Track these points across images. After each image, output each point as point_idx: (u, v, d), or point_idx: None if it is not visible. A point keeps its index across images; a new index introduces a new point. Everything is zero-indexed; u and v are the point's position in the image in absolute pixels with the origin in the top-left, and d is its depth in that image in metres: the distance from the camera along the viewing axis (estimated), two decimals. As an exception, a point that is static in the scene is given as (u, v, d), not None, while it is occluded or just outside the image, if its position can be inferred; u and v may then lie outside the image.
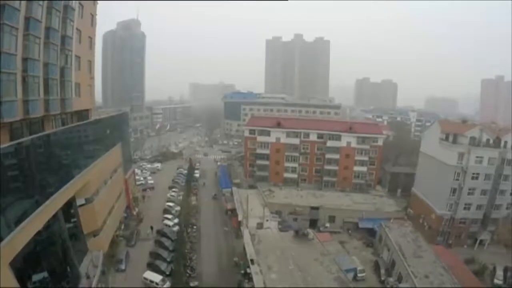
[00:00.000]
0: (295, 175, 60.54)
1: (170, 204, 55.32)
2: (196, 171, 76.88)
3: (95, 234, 34.03)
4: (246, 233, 39.46)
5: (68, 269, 26.41)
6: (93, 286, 27.52)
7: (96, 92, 42.16)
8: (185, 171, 73.92)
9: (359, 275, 36.50)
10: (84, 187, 31.59)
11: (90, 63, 37.92)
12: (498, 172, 46.47)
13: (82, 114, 35.90)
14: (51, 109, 26.80)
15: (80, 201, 31.76)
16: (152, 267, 36.75)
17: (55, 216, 25.14)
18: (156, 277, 34.12)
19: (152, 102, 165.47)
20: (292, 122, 62.65)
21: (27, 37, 22.99)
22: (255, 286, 29.37)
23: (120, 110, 73.35)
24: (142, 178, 69.99)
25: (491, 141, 47.73)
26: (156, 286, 33.38)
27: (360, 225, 48.00)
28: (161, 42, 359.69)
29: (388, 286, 35.38)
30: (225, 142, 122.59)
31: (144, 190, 63.91)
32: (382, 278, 36.81)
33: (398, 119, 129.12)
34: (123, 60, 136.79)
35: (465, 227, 47.54)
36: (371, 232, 47.28)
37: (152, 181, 69.19)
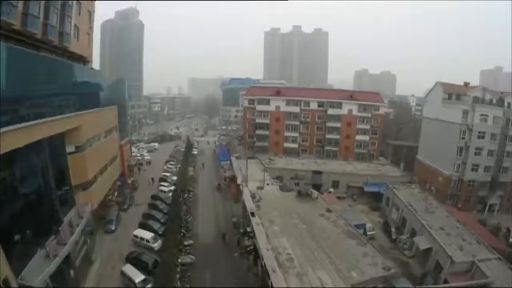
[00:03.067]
0: (295, 145, 57.07)
1: (167, 174, 52.01)
2: (194, 149, 73.04)
3: (84, 187, 30.73)
4: (245, 191, 35.97)
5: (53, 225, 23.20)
6: (74, 236, 23.82)
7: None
8: (183, 149, 70.12)
9: (368, 232, 33.05)
10: (75, 133, 28.86)
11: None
12: (503, 133, 43.73)
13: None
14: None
15: (70, 148, 28.76)
16: (144, 226, 33.35)
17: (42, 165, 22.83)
18: (147, 234, 30.62)
19: (150, 94, 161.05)
20: (292, 91, 59.16)
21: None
22: (257, 237, 25.60)
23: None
24: (139, 155, 66.29)
25: (494, 101, 45.25)
26: (147, 243, 29.67)
27: (366, 189, 44.69)
28: (160, 34, 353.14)
29: (401, 244, 31.81)
30: (223, 127, 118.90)
31: (141, 164, 60.18)
32: (394, 237, 33.39)
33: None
34: (121, 49, 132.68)
35: (474, 190, 44.29)
36: (376, 197, 43.97)
37: (148, 157, 65.54)
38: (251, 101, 58.02)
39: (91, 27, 36.16)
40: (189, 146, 70.34)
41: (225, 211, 40.07)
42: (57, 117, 24.77)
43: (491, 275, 21.84)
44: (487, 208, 44.33)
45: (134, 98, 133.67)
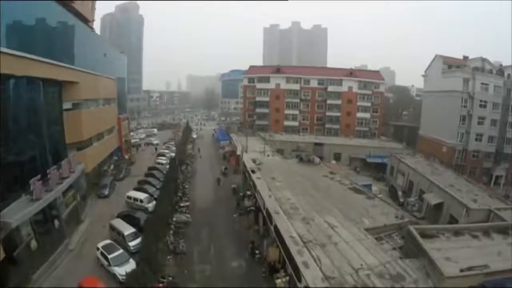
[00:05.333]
0: (296, 123, 55.05)
1: (165, 151, 49.79)
2: (193, 134, 70.80)
3: (78, 147, 29.21)
4: (245, 156, 33.78)
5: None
6: (62, 185, 21.70)
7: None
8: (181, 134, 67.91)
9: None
10: (72, 89, 28.13)
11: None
12: (505, 104, 42.43)
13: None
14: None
15: (67, 104, 27.97)
16: (139, 190, 30.82)
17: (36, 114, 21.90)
18: (140, 195, 28.40)
19: (150, 89, 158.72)
20: (292, 69, 57.15)
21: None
22: (258, 188, 23.44)
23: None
24: (137, 139, 63.96)
25: (494, 72, 44.04)
26: (140, 203, 27.44)
27: (368, 160, 42.66)
28: (159, 30, 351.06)
29: (409, 206, 29.72)
30: (222, 119, 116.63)
31: (139, 145, 57.99)
32: (401, 200, 31.30)
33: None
34: (121, 42, 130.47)
35: (479, 161, 42.47)
36: (379, 169, 41.92)
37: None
38: (251, 80, 56.11)
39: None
40: (188, 128, 68.23)
41: (225, 180, 37.92)
42: (53, 61, 23.75)
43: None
44: (493, 180, 42.40)
45: (134, 91, 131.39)
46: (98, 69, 36.46)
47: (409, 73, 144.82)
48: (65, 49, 29.25)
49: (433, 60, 48.80)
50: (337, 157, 43.90)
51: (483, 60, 45.19)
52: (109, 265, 18.18)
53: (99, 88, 36.52)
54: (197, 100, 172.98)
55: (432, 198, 26.19)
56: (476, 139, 41.94)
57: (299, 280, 13.24)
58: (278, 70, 55.17)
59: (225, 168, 41.55)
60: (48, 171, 20.53)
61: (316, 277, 12.17)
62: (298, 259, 13.35)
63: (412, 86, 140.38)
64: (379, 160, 41.77)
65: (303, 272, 12.50)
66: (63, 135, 27.23)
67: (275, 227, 17.35)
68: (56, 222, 20.84)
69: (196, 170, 42.56)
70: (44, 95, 23.22)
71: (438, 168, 34.19)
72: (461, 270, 12.95)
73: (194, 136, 68.58)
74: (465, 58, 49.15)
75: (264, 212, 20.69)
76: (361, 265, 13.94)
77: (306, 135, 52.50)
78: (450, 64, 45.52)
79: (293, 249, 14.10)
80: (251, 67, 58.05)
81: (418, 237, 15.21)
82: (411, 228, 16.08)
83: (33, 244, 18.08)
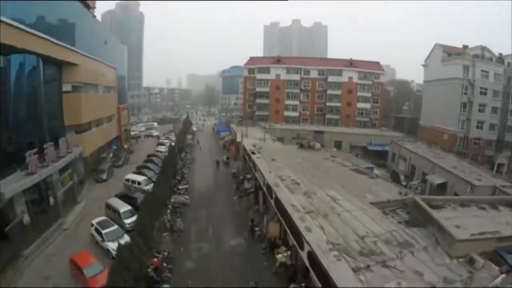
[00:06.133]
0: (296, 113, 54.28)
1: (165, 140, 49.01)
2: (193, 127, 70.02)
3: (77, 130, 28.69)
4: (245, 140, 32.95)
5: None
6: (58, 163, 20.98)
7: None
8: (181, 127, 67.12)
9: (377, 178, 30.11)
10: (72, 71, 28.12)
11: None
12: (506, 92, 41.82)
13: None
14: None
15: (66, 87, 27.92)
16: (137, 174, 30.10)
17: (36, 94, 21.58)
18: (138, 177, 27.68)
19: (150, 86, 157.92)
20: (292, 59, 56.39)
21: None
22: (258, 166, 22.68)
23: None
24: (137, 131, 63.16)
25: (493, 60, 43.49)
26: (138, 185, 26.68)
27: (369, 148, 41.90)
28: (160, 26, 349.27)
29: (412, 189, 28.94)
30: (223, 114, 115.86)
31: (138, 137, 57.24)
32: (404, 184, 30.45)
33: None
34: (121, 39, 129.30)
35: (480, 148, 41.76)
36: (380, 156, 41.22)
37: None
38: (251, 71, 55.37)
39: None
40: (188, 121, 67.52)
41: (226, 171, 37.11)
42: (53, 39, 23.38)
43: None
44: (495, 168, 41.52)
45: (134, 87, 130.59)
46: (98, 56, 35.99)
47: (409, 71, 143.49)
48: (66, 31, 28.52)
49: (433, 49, 48.05)
50: (338, 145, 43.12)
51: (483, 48, 44.56)
52: (103, 240, 17.41)
53: (99, 74, 36.15)
54: (198, 97, 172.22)
55: (435, 179, 25.49)
56: (477, 127, 41.28)
57: (302, 248, 12.46)
58: (278, 60, 54.46)
59: (227, 158, 40.72)
60: (45, 145, 19.86)
61: (320, 240, 11.41)
62: (300, 224, 12.59)
63: (412, 81, 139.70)
64: (379, 148, 41.08)
65: (306, 236, 11.73)
66: (62, 116, 27.09)
67: (276, 199, 16.58)
68: (51, 199, 20.12)
69: (196, 159, 41.82)
70: (44, 75, 23.00)
71: (440, 152, 33.52)
72: (472, 235, 12.22)
73: (194, 129, 67.85)
74: (465, 47, 48.47)
75: (265, 188, 19.92)
76: (367, 233, 13.19)
77: (306, 125, 51.74)
78: (450, 53, 44.84)
79: (294, 216, 13.34)
80: (251, 58, 57.28)
81: (425, 206, 14.43)
82: (417, 198, 15.35)
83: (26, 219, 17.34)
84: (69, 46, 26.98)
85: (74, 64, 28.22)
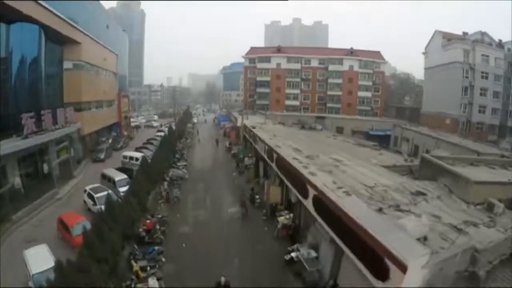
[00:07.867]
0: (297, 102, 53.30)
1: (165, 129, 47.88)
2: (194, 119, 69.11)
3: (76, 108, 27.57)
4: (246, 121, 32.04)
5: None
6: (55, 133, 20.18)
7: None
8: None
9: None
10: (74, 49, 27.91)
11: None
12: (507, 77, 40.80)
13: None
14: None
15: (67, 64, 27.70)
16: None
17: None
18: (136, 154, 26.71)
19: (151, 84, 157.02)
20: (293, 49, 55.61)
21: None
22: (258, 135, 21.76)
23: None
24: (138, 122, 62.32)
25: (493, 45, 42.49)
26: (136, 162, 25.65)
27: (371, 133, 40.94)
28: (160, 23, 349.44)
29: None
30: (224, 110, 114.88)
31: (139, 126, 56.45)
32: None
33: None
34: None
35: (483, 133, 40.64)
36: (382, 142, 39.94)
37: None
38: (251, 60, 54.49)
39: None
40: (189, 112, 66.69)
41: (225, 150, 36.25)
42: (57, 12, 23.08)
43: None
44: (497, 153, 40.76)
45: (135, 84, 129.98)
46: (100, 39, 35.38)
47: (411, 69, 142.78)
48: (69, 10, 27.85)
49: (433, 36, 47.20)
50: (339, 130, 42.05)
51: (483, 33, 43.78)
52: (95, 204, 16.43)
53: (100, 56, 35.56)
54: (198, 96, 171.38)
55: (440, 153, 24.43)
56: (479, 111, 40.29)
57: (306, 196, 11.52)
58: (278, 50, 53.62)
59: (230, 144, 39.71)
60: (42, 112, 19.05)
61: (326, 181, 10.47)
62: (304, 171, 11.65)
63: (413, 76, 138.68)
64: (381, 133, 40.10)
65: (311, 180, 10.78)
66: (61, 90, 26.90)
67: (277, 158, 15.66)
68: (45, 167, 19.23)
69: (195, 144, 40.88)
70: (46, 50, 22.81)
71: (443, 134, 32.55)
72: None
73: (195, 120, 66.95)
74: (465, 33, 47.74)
75: (265, 155, 19.00)
76: (375, 184, 12.24)
77: (307, 113, 50.84)
78: (450, 39, 43.96)
79: (297, 165, 12.40)
80: (252, 48, 56.44)
81: (436, 160, 13.55)
82: (427, 155, 14.44)
83: (17, 181, 16.47)
84: (72, 23, 26.45)
85: (76, 42, 27.78)
